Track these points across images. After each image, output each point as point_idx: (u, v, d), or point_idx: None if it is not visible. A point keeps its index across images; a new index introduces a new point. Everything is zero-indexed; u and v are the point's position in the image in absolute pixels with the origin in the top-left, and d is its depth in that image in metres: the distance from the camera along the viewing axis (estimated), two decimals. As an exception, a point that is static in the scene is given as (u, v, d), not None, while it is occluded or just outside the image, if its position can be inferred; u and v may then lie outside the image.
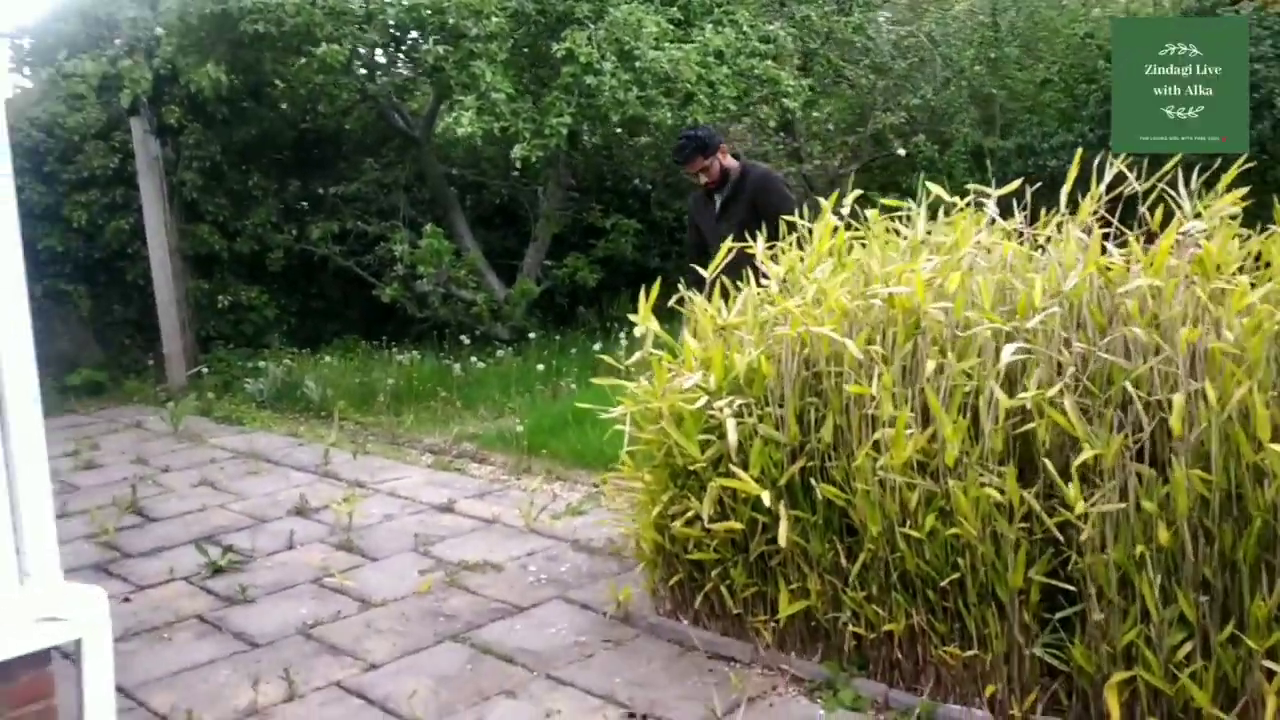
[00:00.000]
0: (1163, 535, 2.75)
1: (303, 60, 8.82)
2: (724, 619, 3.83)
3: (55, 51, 9.83)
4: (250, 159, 10.38)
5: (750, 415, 3.57)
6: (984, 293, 3.20)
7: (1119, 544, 2.84)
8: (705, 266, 4.04)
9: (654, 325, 3.92)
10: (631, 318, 3.94)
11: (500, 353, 9.36)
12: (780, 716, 3.35)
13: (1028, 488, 3.01)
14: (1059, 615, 3.05)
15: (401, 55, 10.26)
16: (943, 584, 3.16)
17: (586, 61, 8.36)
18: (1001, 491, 2.99)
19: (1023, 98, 10.85)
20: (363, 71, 9.86)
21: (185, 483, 6.40)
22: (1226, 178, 3.16)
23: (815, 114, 10.74)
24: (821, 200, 3.96)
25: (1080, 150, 3.63)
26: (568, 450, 6.39)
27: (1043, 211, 3.61)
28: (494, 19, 8.59)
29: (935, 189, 3.71)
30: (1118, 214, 3.31)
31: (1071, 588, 3.01)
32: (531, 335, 9.65)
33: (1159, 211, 3.24)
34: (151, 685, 3.74)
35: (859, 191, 4.04)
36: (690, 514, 3.72)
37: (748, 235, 4.00)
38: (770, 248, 3.97)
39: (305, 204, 10.75)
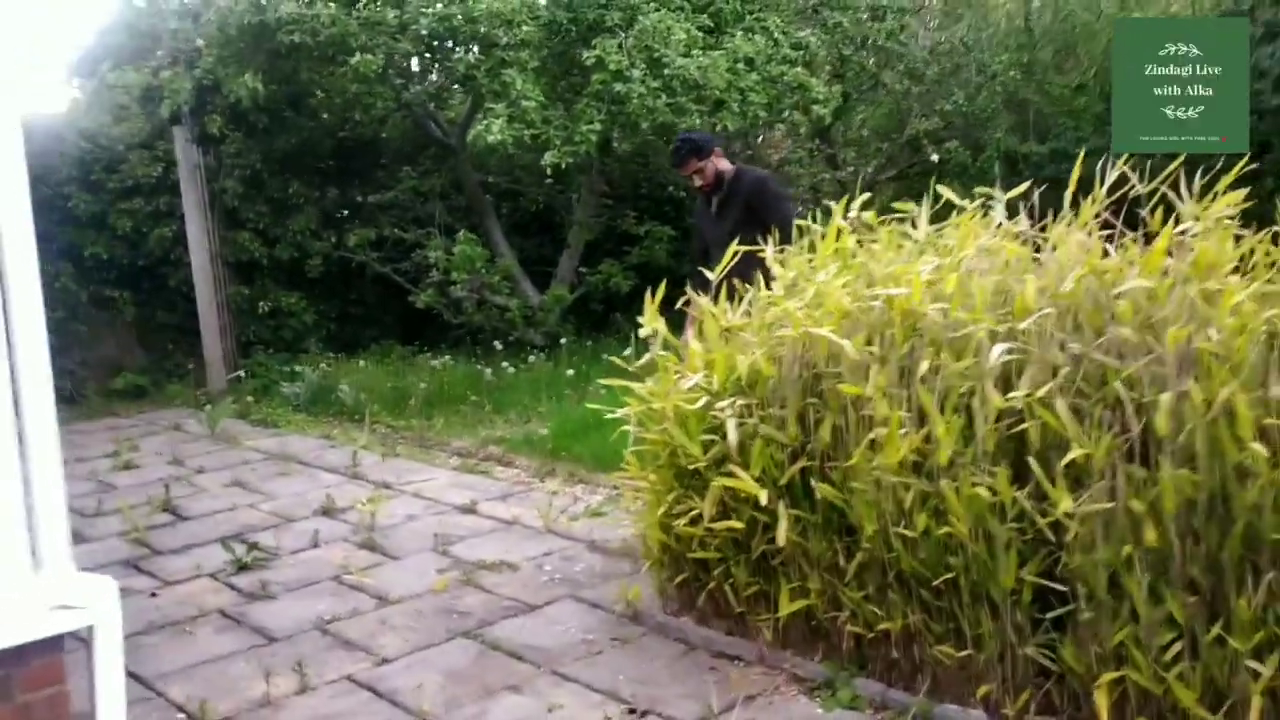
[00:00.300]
0: (1150, 535, 2.76)
1: (339, 70, 8.99)
2: (728, 618, 3.88)
3: (102, 63, 10.08)
4: (290, 167, 10.57)
5: (752, 416, 3.61)
6: (979, 294, 3.22)
7: (1108, 544, 2.85)
8: (707, 269, 4.10)
9: (661, 327, 3.98)
10: (640, 320, 4.00)
11: (532, 358, 9.46)
12: (779, 715, 3.38)
13: (1021, 488, 3.02)
14: (1051, 615, 3.05)
15: (436, 64, 10.40)
16: (937, 583, 3.19)
17: (616, 69, 8.44)
18: (994, 491, 3.00)
19: (1059, 102, 10.76)
20: (399, 81, 10.01)
21: (218, 483, 6.55)
22: (1227, 179, 3.16)
23: (852, 120, 10.72)
24: (832, 205, 3.99)
25: (1081, 153, 3.63)
26: (590, 453, 6.44)
27: (1063, 214, 3.61)
28: (525, 28, 8.71)
29: (945, 192, 3.73)
30: (1122, 216, 3.32)
31: (1063, 588, 3.01)
32: (564, 341, 9.73)
33: (1159, 213, 3.24)
34: (170, 676, 3.86)
35: (867, 194, 4.07)
36: (694, 513, 3.76)
37: (744, 237, 4.06)
38: (780, 251, 4.02)
39: (344, 211, 10.94)
